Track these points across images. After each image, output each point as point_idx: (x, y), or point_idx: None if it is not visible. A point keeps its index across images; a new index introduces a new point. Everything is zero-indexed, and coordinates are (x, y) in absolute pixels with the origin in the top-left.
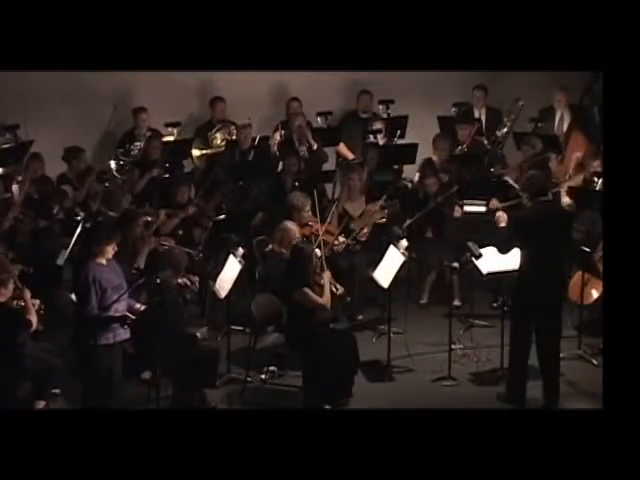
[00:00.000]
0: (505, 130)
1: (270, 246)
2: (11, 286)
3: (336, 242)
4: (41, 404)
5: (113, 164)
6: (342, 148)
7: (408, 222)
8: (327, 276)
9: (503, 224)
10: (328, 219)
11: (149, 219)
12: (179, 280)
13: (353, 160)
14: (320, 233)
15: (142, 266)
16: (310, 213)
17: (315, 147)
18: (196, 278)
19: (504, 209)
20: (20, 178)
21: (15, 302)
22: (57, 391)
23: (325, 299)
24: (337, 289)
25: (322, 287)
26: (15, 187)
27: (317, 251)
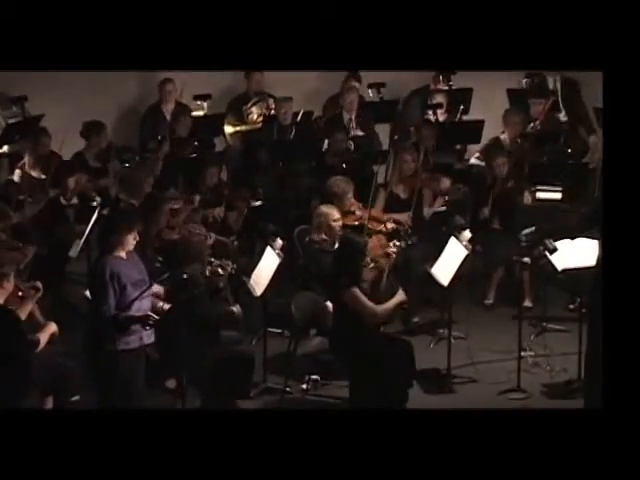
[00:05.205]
0: None
1: (307, 238)
2: (12, 283)
3: (384, 229)
4: None
5: None
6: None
7: None
8: (399, 297)
9: None
10: (374, 204)
11: (177, 207)
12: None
13: (407, 139)
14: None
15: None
16: (353, 200)
17: (369, 133)
18: (228, 262)
19: None
20: (25, 159)
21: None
22: (77, 398)
23: (383, 309)
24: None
25: (373, 282)
26: (17, 171)
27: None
